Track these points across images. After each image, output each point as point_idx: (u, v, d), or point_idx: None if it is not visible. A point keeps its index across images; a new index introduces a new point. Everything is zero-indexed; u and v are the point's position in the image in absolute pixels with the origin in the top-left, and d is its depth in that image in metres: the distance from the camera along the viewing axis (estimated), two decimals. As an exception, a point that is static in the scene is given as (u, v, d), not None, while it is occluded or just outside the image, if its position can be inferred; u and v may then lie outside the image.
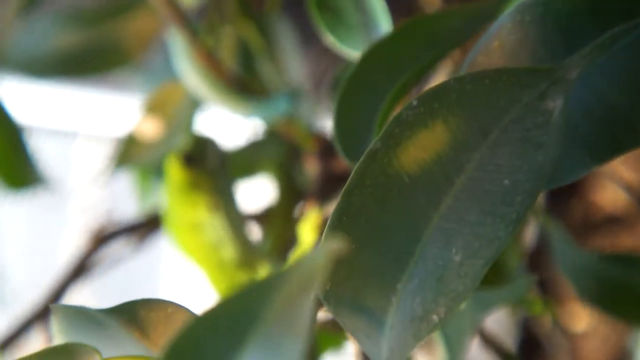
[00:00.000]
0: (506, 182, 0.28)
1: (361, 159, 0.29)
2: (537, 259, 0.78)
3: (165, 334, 0.29)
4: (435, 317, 0.28)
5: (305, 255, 0.19)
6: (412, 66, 0.35)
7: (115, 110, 1.10)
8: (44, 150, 0.68)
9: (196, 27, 0.52)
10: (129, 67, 0.57)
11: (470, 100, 0.28)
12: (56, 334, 0.30)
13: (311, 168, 0.54)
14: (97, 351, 0.27)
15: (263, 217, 0.59)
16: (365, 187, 0.29)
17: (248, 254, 0.46)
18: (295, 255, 0.43)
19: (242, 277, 0.46)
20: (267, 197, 0.61)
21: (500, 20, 0.32)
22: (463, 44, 0.36)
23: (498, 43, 0.32)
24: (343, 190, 0.29)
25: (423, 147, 0.28)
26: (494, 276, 0.50)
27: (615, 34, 0.28)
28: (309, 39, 0.61)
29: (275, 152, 0.62)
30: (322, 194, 0.50)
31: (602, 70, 0.31)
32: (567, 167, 0.31)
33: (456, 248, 0.28)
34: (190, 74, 0.52)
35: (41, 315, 0.53)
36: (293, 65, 0.57)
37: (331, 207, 0.43)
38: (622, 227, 0.79)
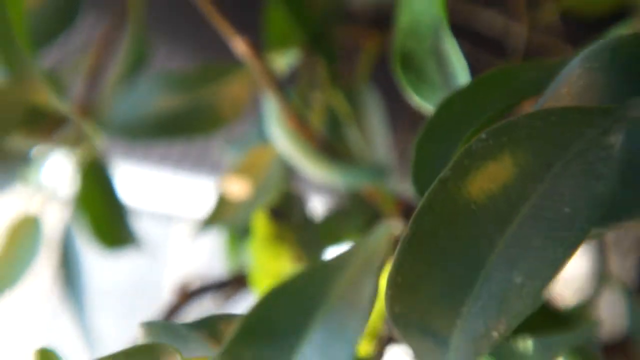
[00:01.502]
0: (567, 209, 0.29)
1: (432, 186, 0.30)
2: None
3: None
4: (495, 334, 0.29)
5: (366, 237, 0.21)
6: (485, 114, 0.37)
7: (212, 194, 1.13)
8: (142, 231, 0.71)
9: (288, 91, 0.54)
10: (223, 130, 0.60)
11: (537, 135, 0.30)
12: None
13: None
14: (178, 351, 0.29)
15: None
16: (434, 213, 0.30)
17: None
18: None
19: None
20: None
21: (570, 67, 0.33)
22: (537, 95, 0.37)
23: (567, 89, 0.33)
24: (413, 215, 0.30)
25: (491, 178, 0.30)
26: None
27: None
28: (396, 113, 0.63)
29: (359, 220, 0.64)
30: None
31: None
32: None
33: (518, 271, 0.29)
34: (280, 136, 0.54)
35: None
36: (379, 135, 0.59)
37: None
38: None
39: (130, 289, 1.08)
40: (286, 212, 0.49)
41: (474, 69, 0.42)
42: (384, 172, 0.55)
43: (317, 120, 0.57)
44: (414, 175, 0.36)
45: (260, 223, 0.49)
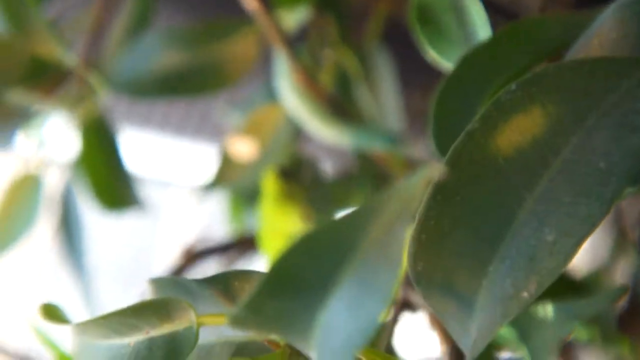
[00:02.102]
0: (602, 164, 0.28)
1: (458, 139, 0.29)
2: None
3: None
4: (526, 294, 0.28)
5: (401, 183, 0.20)
6: (509, 70, 0.35)
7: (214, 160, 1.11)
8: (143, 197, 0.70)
9: (297, 49, 0.53)
10: (228, 91, 0.58)
11: (569, 86, 0.28)
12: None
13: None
14: (192, 306, 0.28)
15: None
16: (460, 168, 0.29)
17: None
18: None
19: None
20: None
21: (601, 19, 0.32)
22: (561, 51, 0.36)
23: (598, 41, 0.32)
24: (439, 169, 0.29)
25: (520, 130, 0.29)
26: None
27: None
28: (408, 78, 0.61)
29: (368, 184, 0.62)
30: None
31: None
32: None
33: (549, 228, 0.28)
34: (289, 94, 0.53)
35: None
36: (390, 97, 0.58)
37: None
38: None
39: (129, 259, 1.07)
40: (295, 172, 0.48)
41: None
42: (397, 136, 0.54)
43: (327, 79, 0.56)
44: (435, 133, 0.35)
45: (270, 182, 0.47)
